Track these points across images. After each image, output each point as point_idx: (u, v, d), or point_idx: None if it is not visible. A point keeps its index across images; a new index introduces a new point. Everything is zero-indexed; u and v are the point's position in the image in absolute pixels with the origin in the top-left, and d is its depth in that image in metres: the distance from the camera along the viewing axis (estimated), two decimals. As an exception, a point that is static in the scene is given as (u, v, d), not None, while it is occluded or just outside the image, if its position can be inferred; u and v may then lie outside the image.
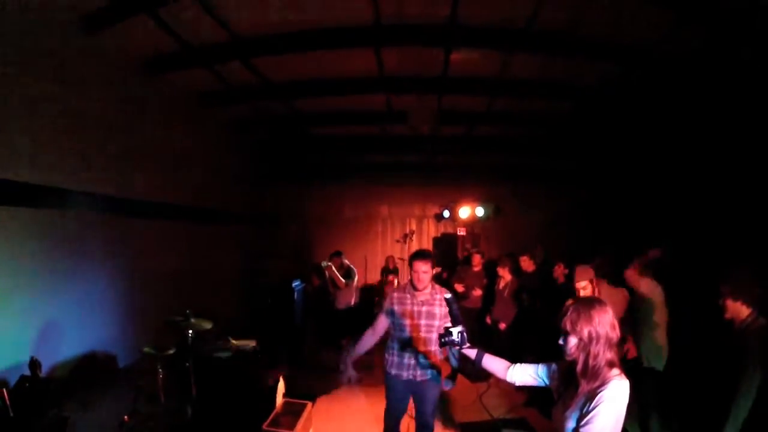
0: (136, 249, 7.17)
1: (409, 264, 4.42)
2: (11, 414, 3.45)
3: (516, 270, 7.52)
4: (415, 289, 4.27)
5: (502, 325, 7.14)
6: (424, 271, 4.20)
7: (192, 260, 8.69)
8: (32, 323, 5.34)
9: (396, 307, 4.33)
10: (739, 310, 3.16)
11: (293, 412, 5.36)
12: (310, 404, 5.66)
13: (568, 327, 2.27)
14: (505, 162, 12.12)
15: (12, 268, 5.04)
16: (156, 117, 7.45)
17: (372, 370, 7.95)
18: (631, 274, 5.25)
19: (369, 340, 4.50)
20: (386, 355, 4.47)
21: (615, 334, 2.24)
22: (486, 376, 7.22)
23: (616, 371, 2.20)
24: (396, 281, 9.96)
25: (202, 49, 6.36)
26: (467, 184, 12.52)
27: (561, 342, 2.33)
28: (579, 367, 2.24)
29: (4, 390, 3.58)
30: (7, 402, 3.48)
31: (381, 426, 5.44)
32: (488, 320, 7.63)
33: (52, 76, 5.36)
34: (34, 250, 5.34)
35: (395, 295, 4.41)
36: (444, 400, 6.56)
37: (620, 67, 6.55)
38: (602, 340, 2.20)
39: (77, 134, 5.86)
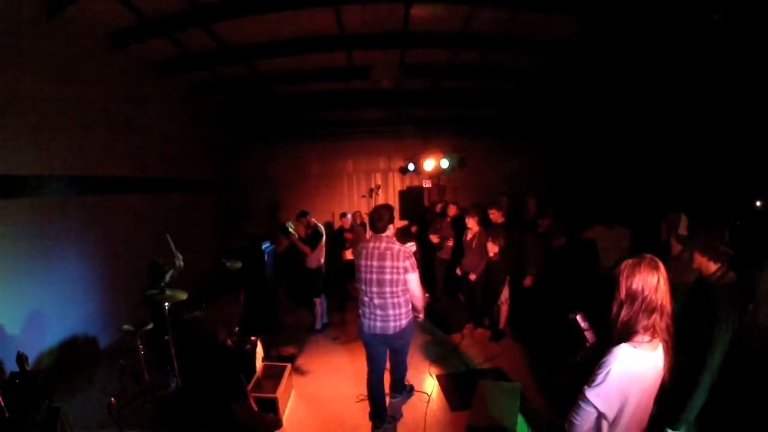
0: (106, 227, 6.99)
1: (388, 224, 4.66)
2: (7, 415, 3.42)
3: (483, 221, 7.64)
4: None
5: (473, 276, 7.30)
6: None
7: (164, 231, 8.52)
8: (11, 314, 5.21)
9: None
10: (706, 264, 3.24)
11: (274, 375, 5.49)
12: (289, 366, 5.78)
13: (616, 278, 2.26)
14: (469, 114, 12.10)
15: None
16: (119, 91, 7.14)
17: (345, 326, 8.13)
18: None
19: None
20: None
21: (657, 299, 2.17)
22: (460, 327, 7.49)
23: (642, 338, 2.17)
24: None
25: (162, 18, 6.12)
26: (432, 137, 12.52)
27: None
28: (612, 316, 2.26)
29: None
30: (1, 402, 3.44)
31: (360, 382, 5.65)
32: (458, 272, 7.80)
33: (8, 62, 5.05)
34: (3, 241, 5.15)
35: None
36: (420, 352, 6.79)
37: (581, 23, 6.56)
38: (638, 300, 2.17)
39: (39, 118, 5.55)
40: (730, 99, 6.40)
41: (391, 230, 4.63)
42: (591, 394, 2.18)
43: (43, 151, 5.66)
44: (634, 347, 2.16)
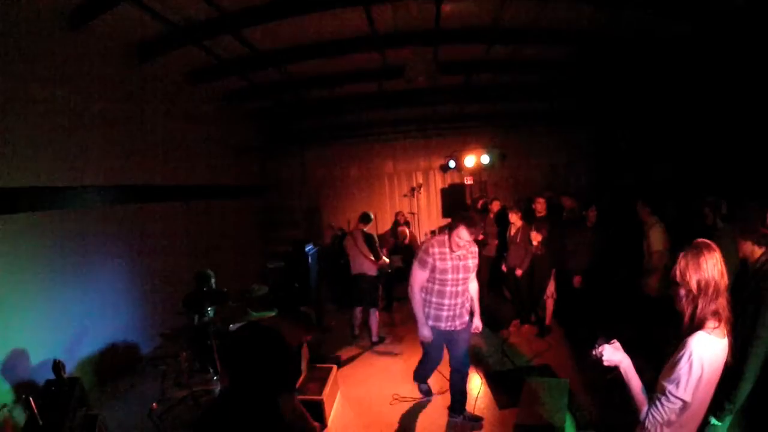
0: (147, 234, 7.21)
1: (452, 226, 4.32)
2: (40, 422, 3.50)
3: (526, 215, 7.51)
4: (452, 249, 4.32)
5: (519, 272, 7.19)
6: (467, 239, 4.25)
7: (205, 238, 8.76)
8: (52, 323, 5.36)
9: (438, 263, 4.34)
10: (751, 249, 3.00)
11: (319, 378, 5.47)
12: (335, 368, 5.78)
13: (677, 277, 2.16)
14: (507, 108, 11.89)
15: (21, 270, 5.03)
16: (152, 101, 7.35)
17: (391, 328, 8.09)
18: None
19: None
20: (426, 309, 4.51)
21: (723, 282, 2.11)
22: (506, 324, 7.37)
23: (713, 324, 2.10)
24: (408, 231, 10.00)
25: (191, 27, 6.25)
26: (471, 133, 12.38)
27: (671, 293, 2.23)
28: (686, 319, 2.15)
29: (31, 398, 3.63)
30: (35, 410, 3.52)
31: (405, 384, 5.62)
32: (504, 268, 7.67)
33: (42, 76, 5.26)
34: (41, 252, 5.31)
35: (436, 250, 4.35)
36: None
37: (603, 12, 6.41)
38: (711, 290, 2.09)
39: (75, 131, 5.76)
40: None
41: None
42: (679, 390, 2.08)
43: (81, 162, 5.86)
44: (709, 333, 2.09)
